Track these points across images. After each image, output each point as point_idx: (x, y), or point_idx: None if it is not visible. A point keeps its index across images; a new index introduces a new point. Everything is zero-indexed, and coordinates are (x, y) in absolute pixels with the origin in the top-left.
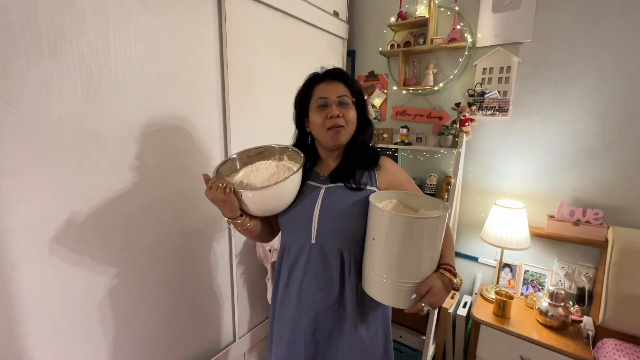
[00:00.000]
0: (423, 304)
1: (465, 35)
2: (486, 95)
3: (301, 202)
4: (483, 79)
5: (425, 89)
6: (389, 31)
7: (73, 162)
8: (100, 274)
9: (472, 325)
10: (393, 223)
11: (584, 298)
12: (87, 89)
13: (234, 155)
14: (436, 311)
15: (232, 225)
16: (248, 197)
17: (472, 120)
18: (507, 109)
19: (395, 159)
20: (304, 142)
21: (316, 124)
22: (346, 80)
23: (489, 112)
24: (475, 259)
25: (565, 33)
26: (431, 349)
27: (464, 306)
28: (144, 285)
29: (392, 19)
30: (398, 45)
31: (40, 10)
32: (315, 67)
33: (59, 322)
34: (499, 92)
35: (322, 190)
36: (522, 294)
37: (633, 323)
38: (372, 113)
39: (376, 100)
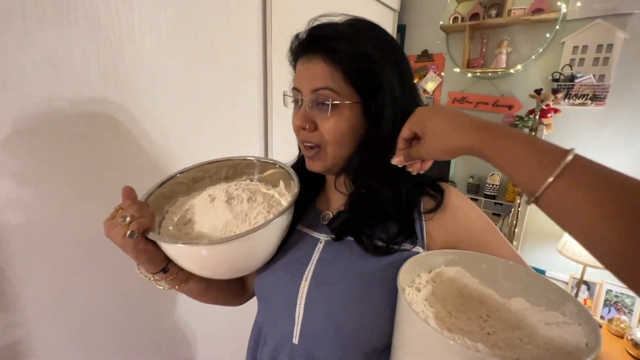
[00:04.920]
0: None
1: (558, 3)
2: (577, 81)
3: (283, 263)
4: (572, 60)
5: (497, 72)
6: (451, 1)
7: (83, 158)
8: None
9: None
10: (433, 348)
11: None
12: (105, 64)
13: (179, 175)
14: None
15: (154, 282)
16: (171, 251)
17: (556, 110)
18: (604, 98)
19: None
20: None
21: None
22: (333, 51)
23: (578, 101)
24: (542, 272)
25: None
26: None
27: None
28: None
29: None
30: (462, 19)
31: None
32: None
33: None
34: (594, 76)
35: (320, 246)
36: (602, 317)
37: None
38: (424, 100)
39: (429, 84)
